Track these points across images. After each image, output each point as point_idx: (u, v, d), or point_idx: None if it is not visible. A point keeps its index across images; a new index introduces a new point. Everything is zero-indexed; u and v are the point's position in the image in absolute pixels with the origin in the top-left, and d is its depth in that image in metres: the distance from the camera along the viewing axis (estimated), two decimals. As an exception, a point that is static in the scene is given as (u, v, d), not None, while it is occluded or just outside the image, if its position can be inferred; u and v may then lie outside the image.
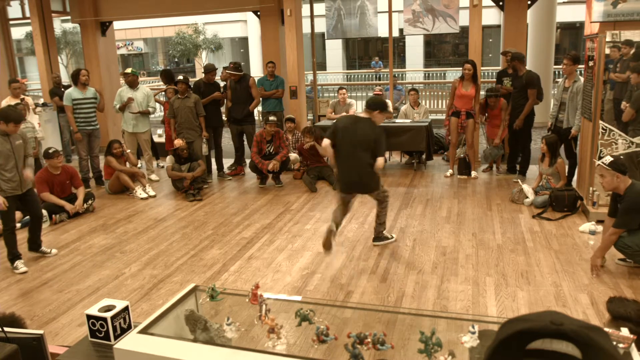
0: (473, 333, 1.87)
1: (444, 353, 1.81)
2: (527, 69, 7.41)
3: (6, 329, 1.62)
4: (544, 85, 8.07)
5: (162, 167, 8.91)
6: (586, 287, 4.14)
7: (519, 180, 6.71)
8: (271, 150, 7.61)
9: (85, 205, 6.72)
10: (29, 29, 16.68)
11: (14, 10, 12.00)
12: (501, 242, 5.14)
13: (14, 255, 5.08)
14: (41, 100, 10.40)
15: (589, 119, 5.86)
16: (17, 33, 18.57)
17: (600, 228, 5.12)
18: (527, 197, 6.23)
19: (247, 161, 8.19)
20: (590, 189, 5.71)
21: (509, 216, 5.89)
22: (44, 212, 6.28)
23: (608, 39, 5.44)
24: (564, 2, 18.96)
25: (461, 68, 7.56)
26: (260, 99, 8.46)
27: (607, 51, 5.47)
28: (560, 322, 0.79)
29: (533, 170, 7.47)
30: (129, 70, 8.27)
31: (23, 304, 4.31)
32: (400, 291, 4.21)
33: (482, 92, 8.03)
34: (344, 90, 9.22)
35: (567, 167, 6.65)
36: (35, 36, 10.54)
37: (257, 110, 8.91)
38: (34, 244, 5.38)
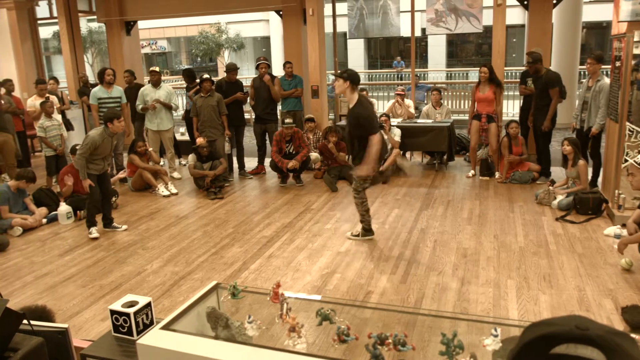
0: (496, 336, 1.85)
1: (465, 356, 1.79)
2: (546, 68, 7.29)
3: (33, 322, 1.65)
4: (569, 85, 7.94)
5: (184, 165, 9.00)
6: (610, 292, 4.07)
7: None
8: (291, 150, 7.63)
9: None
10: (56, 28, 16.99)
11: (41, 10, 12.25)
12: (523, 245, 5.08)
13: (91, 223, 5.86)
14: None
15: (615, 121, 5.75)
16: (45, 32, 18.89)
17: (625, 232, 5.01)
18: (554, 198, 6.12)
19: (268, 160, 8.23)
20: (616, 191, 5.60)
21: (531, 218, 5.82)
22: (69, 207, 6.42)
23: (636, 38, 5.32)
24: (590, 1, 18.61)
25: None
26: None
27: (637, 51, 5.35)
28: (585, 327, 0.78)
29: (556, 171, 7.35)
30: (156, 68, 8.38)
31: (48, 297, 4.40)
32: (420, 292, 4.19)
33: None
34: (366, 91, 9.20)
35: (591, 168, 6.53)
36: (62, 35, 10.75)
37: (278, 110, 8.95)
38: (106, 219, 6.05)
